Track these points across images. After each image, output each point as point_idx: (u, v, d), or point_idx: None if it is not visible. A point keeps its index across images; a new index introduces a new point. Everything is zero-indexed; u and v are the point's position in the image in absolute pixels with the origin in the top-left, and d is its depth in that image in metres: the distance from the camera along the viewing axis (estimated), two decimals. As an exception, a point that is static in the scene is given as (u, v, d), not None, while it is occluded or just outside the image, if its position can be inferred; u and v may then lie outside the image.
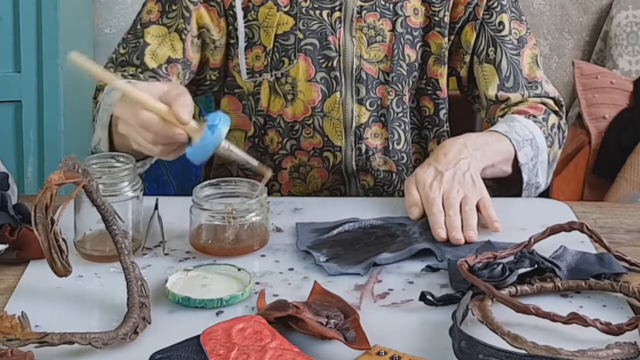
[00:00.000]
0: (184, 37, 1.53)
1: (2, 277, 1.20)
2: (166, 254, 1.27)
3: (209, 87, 1.61)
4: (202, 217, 1.27)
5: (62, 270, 1.09)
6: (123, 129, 1.27)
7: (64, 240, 1.08)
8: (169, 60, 1.52)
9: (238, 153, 1.25)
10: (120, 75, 1.50)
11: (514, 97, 1.60)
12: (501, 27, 1.59)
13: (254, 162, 1.26)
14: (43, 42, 2.62)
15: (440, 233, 1.30)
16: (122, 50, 1.55)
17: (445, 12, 1.57)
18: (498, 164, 1.48)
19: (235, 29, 1.54)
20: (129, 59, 1.53)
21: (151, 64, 1.51)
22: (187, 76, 1.55)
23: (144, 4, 1.56)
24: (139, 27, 1.54)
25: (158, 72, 1.51)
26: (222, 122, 1.22)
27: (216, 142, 1.21)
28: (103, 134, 1.40)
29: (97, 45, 3.12)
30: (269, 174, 1.28)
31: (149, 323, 1.07)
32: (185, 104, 1.21)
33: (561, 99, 1.65)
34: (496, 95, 1.60)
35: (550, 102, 1.63)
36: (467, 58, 1.62)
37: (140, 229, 1.27)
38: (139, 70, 1.51)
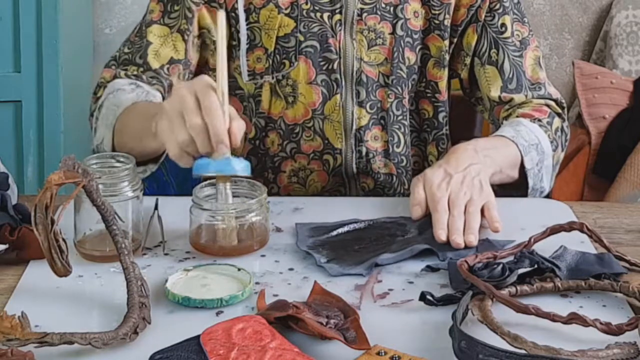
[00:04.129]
0: (186, 37, 1.53)
1: (2, 277, 1.20)
2: (166, 254, 1.27)
3: None
4: (202, 217, 1.27)
5: (62, 270, 1.09)
6: (163, 123, 1.23)
7: (64, 240, 1.08)
8: (171, 61, 1.52)
9: (227, 197, 1.24)
10: (123, 74, 1.51)
11: (518, 98, 1.59)
12: (503, 29, 1.59)
13: (232, 223, 1.25)
14: (43, 42, 2.62)
15: (441, 235, 1.30)
16: (126, 50, 1.55)
17: (445, 15, 1.57)
18: (505, 169, 1.48)
19: (238, 31, 1.54)
20: (131, 58, 1.53)
21: (154, 64, 1.52)
22: (187, 76, 1.55)
23: (148, 4, 1.56)
24: (143, 27, 1.55)
25: (160, 72, 1.52)
26: (247, 166, 1.23)
27: (231, 171, 1.21)
28: (107, 133, 1.41)
29: (97, 45, 3.12)
30: (233, 243, 1.27)
31: (149, 323, 1.07)
32: (242, 128, 1.21)
33: (563, 101, 1.64)
34: (499, 97, 1.59)
35: (553, 104, 1.62)
36: (468, 60, 1.61)
37: (140, 229, 1.27)
38: (141, 69, 1.51)
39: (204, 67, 1.58)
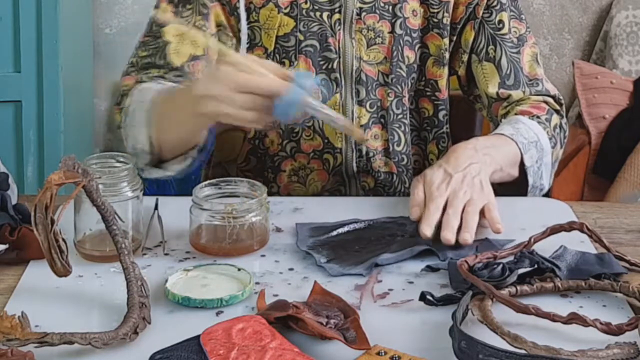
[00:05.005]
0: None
1: (2, 277, 1.20)
2: (166, 254, 1.27)
3: None
4: (202, 217, 1.27)
5: (62, 270, 1.09)
6: (207, 105, 1.25)
7: (64, 240, 1.08)
8: (192, 58, 1.51)
9: (325, 109, 1.25)
10: (147, 78, 1.48)
11: (516, 94, 1.59)
12: (501, 25, 1.59)
13: (343, 122, 1.27)
14: (43, 42, 2.62)
15: (425, 230, 1.29)
16: (142, 53, 1.52)
17: (444, 13, 1.57)
18: (506, 167, 1.47)
19: (239, 30, 1.54)
20: (152, 60, 1.50)
21: (176, 61, 1.50)
22: None
23: (157, 5, 1.55)
24: (154, 27, 1.53)
25: (184, 69, 1.49)
26: (310, 77, 1.24)
27: (303, 93, 1.22)
28: (144, 131, 1.38)
29: (97, 45, 3.13)
30: (363, 136, 1.27)
31: (149, 323, 1.07)
32: (273, 64, 1.25)
33: (561, 98, 1.64)
34: (497, 93, 1.60)
35: (551, 100, 1.62)
36: (465, 57, 1.62)
37: (140, 229, 1.27)
38: (163, 70, 1.49)
39: None
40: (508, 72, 1.59)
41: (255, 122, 1.27)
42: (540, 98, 1.61)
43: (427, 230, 1.29)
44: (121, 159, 1.27)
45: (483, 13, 1.59)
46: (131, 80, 1.49)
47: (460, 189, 1.35)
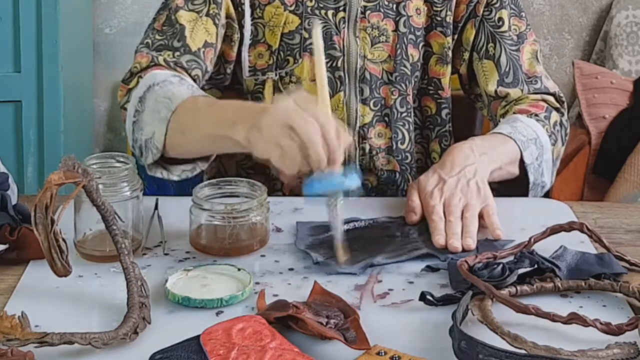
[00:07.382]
0: (217, 22, 1.51)
1: (2, 277, 1.20)
2: (166, 254, 1.27)
3: (220, 81, 1.59)
4: (202, 217, 1.27)
5: (62, 270, 1.09)
6: (268, 144, 1.19)
7: (64, 240, 1.08)
8: (206, 44, 1.50)
9: (339, 216, 1.22)
10: (162, 59, 1.46)
11: (514, 92, 1.59)
12: (500, 23, 1.59)
13: (339, 238, 1.23)
14: (43, 42, 2.62)
15: (440, 240, 1.30)
16: (158, 37, 1.50)
17: (447, 11, 1.57)
18: (505, 166, 1.47)
19: (242, 26, 1.54)
20: (168, 43, 1.48)
21: (193, 46, 1.48)
22: (214, 64, 1.54)
23: None
24: (170, 14, 1.51)
25: (199, 55, 1.48)
26: (358, 180, 1.21)
27: (345, 187, 1.19)
28: (160, 128, 1.34)
29: (97, 45, 3.13)
30: (342, 258, 1.24)
31: (149, 323, 1.07)
32: (347, 142, 1.20)
33: (562, 95, 1.64)
34: (496, 91, 1.60)
35: (551, 98, 1.62)
36: (466, 55, 1.62)
37: (140, 229, 1.27)
38: (178, 53, 1.47)
39: (219, 58, 1.56)
40: (507, 69, 1.59)
41: (291, 176, 1.21)
42: (539, 97, 1.61)
43: (442, 239, 1.30)
44: (121, 159, 1.27)
45: (483, 11, 1.59)
46: (144, 58, 1.47)
47: (454, 195, 1.35)
